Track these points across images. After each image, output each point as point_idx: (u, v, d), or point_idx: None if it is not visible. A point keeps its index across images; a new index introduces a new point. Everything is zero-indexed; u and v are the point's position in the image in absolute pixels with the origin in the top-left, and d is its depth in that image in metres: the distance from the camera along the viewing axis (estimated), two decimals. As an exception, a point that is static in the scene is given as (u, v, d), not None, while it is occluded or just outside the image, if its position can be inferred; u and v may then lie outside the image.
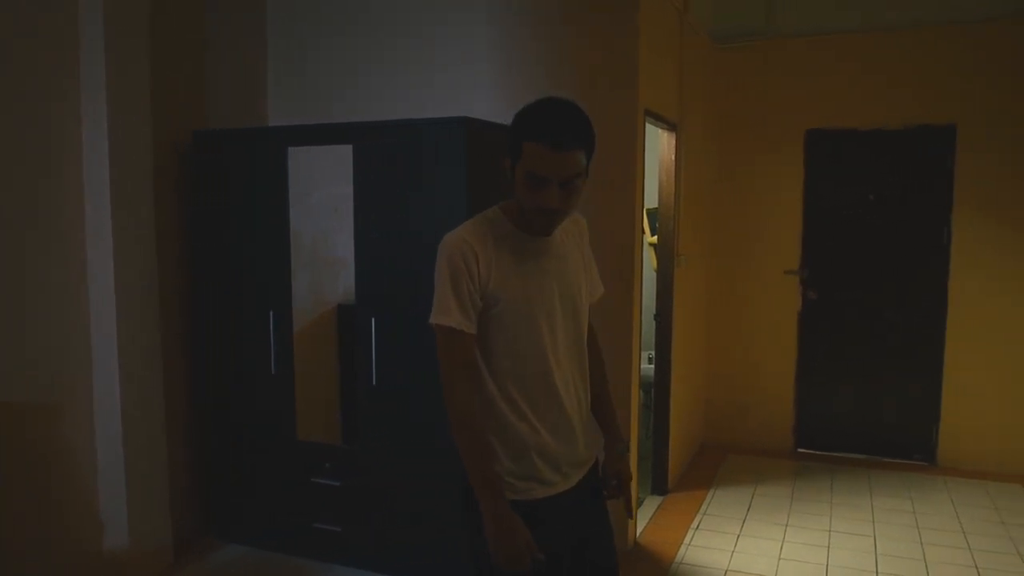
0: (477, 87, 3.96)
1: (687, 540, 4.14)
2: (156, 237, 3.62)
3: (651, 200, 4.79)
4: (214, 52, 4.13)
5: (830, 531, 4.27)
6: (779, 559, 3.95)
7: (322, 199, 3.88)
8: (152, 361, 3.61)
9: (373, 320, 3.51)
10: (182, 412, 3.97)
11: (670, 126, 4.51)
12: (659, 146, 4.68)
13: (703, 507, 4.56)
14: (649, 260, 5.14)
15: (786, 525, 4.34)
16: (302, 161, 3.68)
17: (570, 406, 2.03)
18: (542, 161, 1.80)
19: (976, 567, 3.86)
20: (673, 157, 4.62)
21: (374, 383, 3.54)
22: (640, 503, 4.55)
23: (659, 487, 4.76)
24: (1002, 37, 4.99)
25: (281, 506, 3.85)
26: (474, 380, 1.96)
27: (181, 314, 3.95)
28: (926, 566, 3.87)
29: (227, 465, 3.97)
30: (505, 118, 3.92)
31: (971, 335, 5.19)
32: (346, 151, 3.53)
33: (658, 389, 4.79)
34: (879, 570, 3.83)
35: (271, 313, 3.73)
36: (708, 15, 5.34)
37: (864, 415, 5.51)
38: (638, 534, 4.17)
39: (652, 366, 4.88)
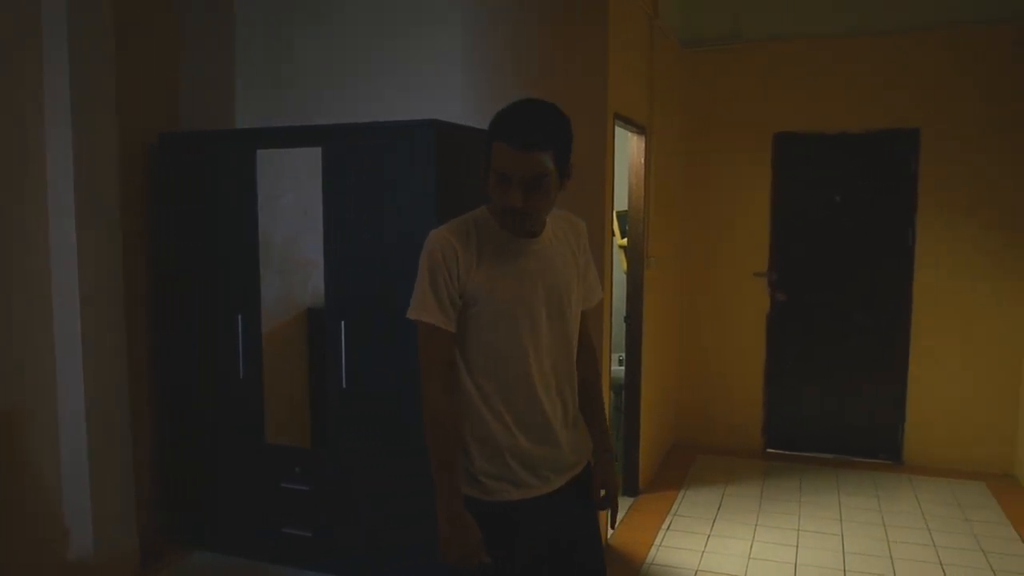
0: (448, 91, 3.96)
1: (658, 541, 4.16)
2: (122, 240, 3.57)
3: (621, 203, 4.81)
4: (182, 53, 4.09)
5: (799, 530, 4.32)
6: (749, 558, 3.98)
7: (292, 201, 3.85)
8: (117, 365, 3.56)
9: (343, 323, 3.50)
10: (148, 416, 3.93)
11: (640, 129, 4.54)
12: (629, 149, 4.71)
13: (674, 508, 4.59)
14: (619, 262, 5.17)
15: (755, 525, 4.38)
16: (272, 163, 3.66)
17: (551, 409, 2.01)
18: (505, 160, 1.84)
19: (940, 564, 3.92)
20: (643, 160, 4.65)
21: (344, 386, 3.52)
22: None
23: (630, 488, 4.78)
24: (964, 43, 5.08)
25: (250, 511, 3.81)
26: (449, 377, 1.96)
27: (148, 318, 3.90)
28: (892, 563, 3.92)
29: (195, 470, 3.92)
30: (476, 121, 3.94)
31: (935, 336, 5.28)
32: (316, 153, 3.51)
33: (628, 391, 4.81)
34: (847, 568, 3.87)
35: (239, 316, 3.70)
36: (677, 20, 5.38)
37: (832, 415, 5.58)
38: (609, 535, 4.18)
39: (623, 368, 4.90)
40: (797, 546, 4.12)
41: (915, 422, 5.37)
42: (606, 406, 2.27)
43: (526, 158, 1.83)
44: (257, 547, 3.80)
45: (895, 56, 5.23)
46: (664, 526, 4.34)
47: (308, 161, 3.55)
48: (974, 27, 5.05)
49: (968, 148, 5.13)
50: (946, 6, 5.09)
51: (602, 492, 2.19)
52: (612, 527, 2.24)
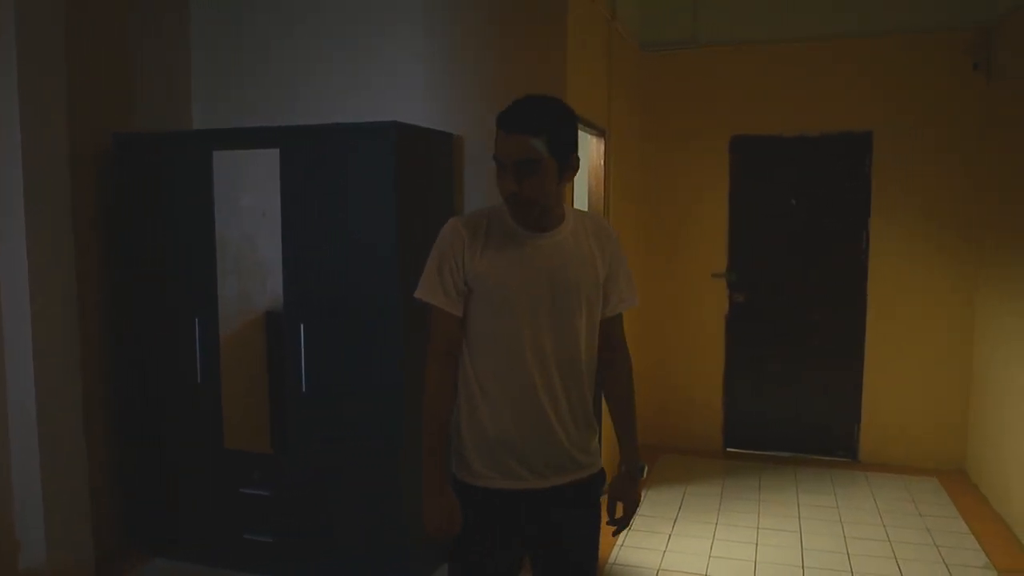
0: (410, 94, 3.94)
1: (620, 541, 4.18)
2: (75, 243, 3.50)
3: (581, 204, 4.83)
4: (136, 53, 4.03)
5: (758, 528, 4.37)
6: (710, 557, 4.02)
7: (250, 203, 3.81)
8: (71, 371, 3.48)
9: (302, 326, 3.47)
10: (104, 423, 3.85)
11: (599, 132, 4.57)
12: (588, 151, 4.74)
13: (635, 508, 4.61)
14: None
15: (716, 523, 4.43)
16: (229, 165, 3.61)
17: (549, 404, 2.02)
18: (498, 145, 1.93)
19: (895, 558, 3.99)
20: (603, 162, 4.68)
21: (304, 390, 3.50)
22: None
23: (592, 489, 4.79)
24: (915, 49, 5.20)
25: (208, 517, 3.76)
26: (449, 356, 2.04)
27: (102, 322, 3.83)
28: (849, 558, 3.99)
29: (152, 477, 3.86)
30: (437, 124, 3.93)
31: (889, 335, 5.38)
32: (274, 155, 3.48)
33: (590, 392, 4.82)
34: (805, 564, 3.93)
35: (196, 320, 3.65)
36: (636, 24, 5.43)
37: (790, 414, 5.66)
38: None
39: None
40: (757, 544, 4.17)
41: (870, 420, 5.47)
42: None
43: (513, 141, 1.89)
44: (217, 554, 3.75)
45: (850, 61, 5.33)
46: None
47: (266, 163, 3.51)
48: (924, 34, 5.17)
49: (919, 151, 5.25)
50: (898, 14, 5.20)
51: (617, 505, 2.22)
52: (615, 535, 2.24)
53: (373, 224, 3.34)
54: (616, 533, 2.25)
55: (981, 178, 5.08)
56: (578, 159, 2.01)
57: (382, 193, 3.31)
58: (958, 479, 5.14)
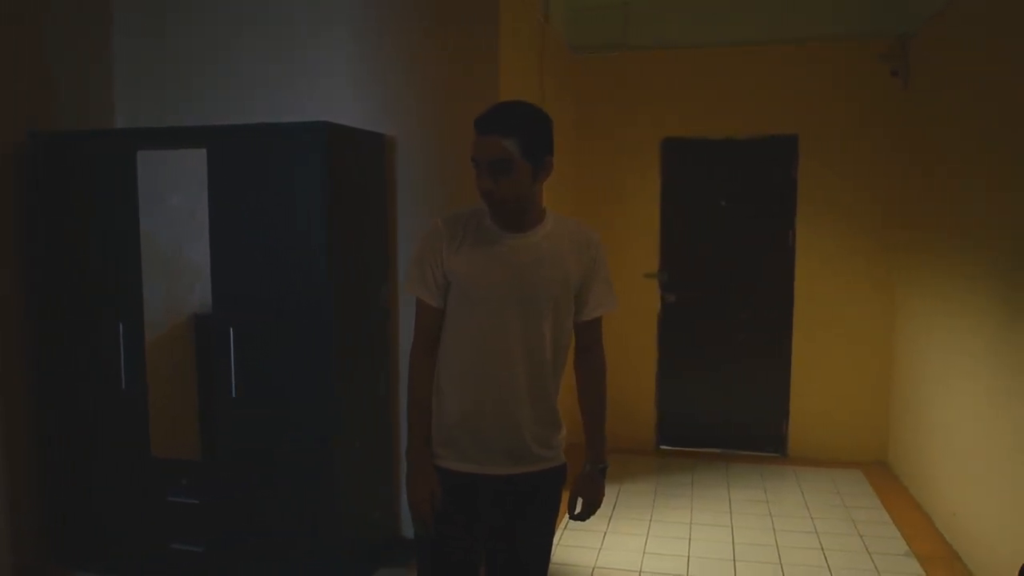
0: (340, 94, 3.90)
1: (556, 540, 4.18)
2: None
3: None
4: (53, 47, 3.89)
5: (691, 523, 4.45)
6: (644, 553, 4.07)
7: (177, 204, 3.72)
8: (-14, 379, 3.35)
9: (231, 329, 3.40)
10: (23, 432, 3.70)
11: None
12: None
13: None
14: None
15: (650, 520, 4.49)
16: (155, 165, 3.52)
17: (511, 398, 2.12)
18: (473, 146, 2.04)
19: (822, 548, 4.11)
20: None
21: (234, 394, 3.42)
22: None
23: (528, 489, 4.81)
24: (839, 56, 5.37)
25: (135, 528, 3.65)
26: (429, 342, 2.18)
27: (21, 328, 3.69)
28: (778, 551, 4.09)
29: (74, 487, 3.73)
30: (369, 125, 3.90)
31: (814, 332, 5.54)
32: (201, 155, 3.40)
33: (526, 392, 4.84)
34: (736, 557, 4.02)
35: (120, 324, 3.55)
36: (568, 27, 5.48)
37: (721, 412, 5.78)
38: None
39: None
40: (690, 539, 4.24)
41: (798, 416, 5.62)
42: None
43: (485, 141, 2.00)
44: (144, 565, 3.65)
45: (775, 66, 5.48)
46: (562, 525, 4.39)
47: (194, 163, 3.43)
48: (846, 42, 5.34)
49: (842, 154, 5.42)
50: (820, 22, 5.36)
51: (579, 502, 2.30)
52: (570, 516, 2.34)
53: (303, 225, 3.30)
54: (578, 520, 2.33)
55: (898, 180, 5.27)
56: (552, 162, 2.10)
57: (312, 193, 3.26)
58: (880, 471, 5.31)
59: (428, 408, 2.18)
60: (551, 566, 3.86)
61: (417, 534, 2.21)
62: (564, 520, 4.45)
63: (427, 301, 2.16)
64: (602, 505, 2.33)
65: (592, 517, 2.34)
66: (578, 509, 2.32)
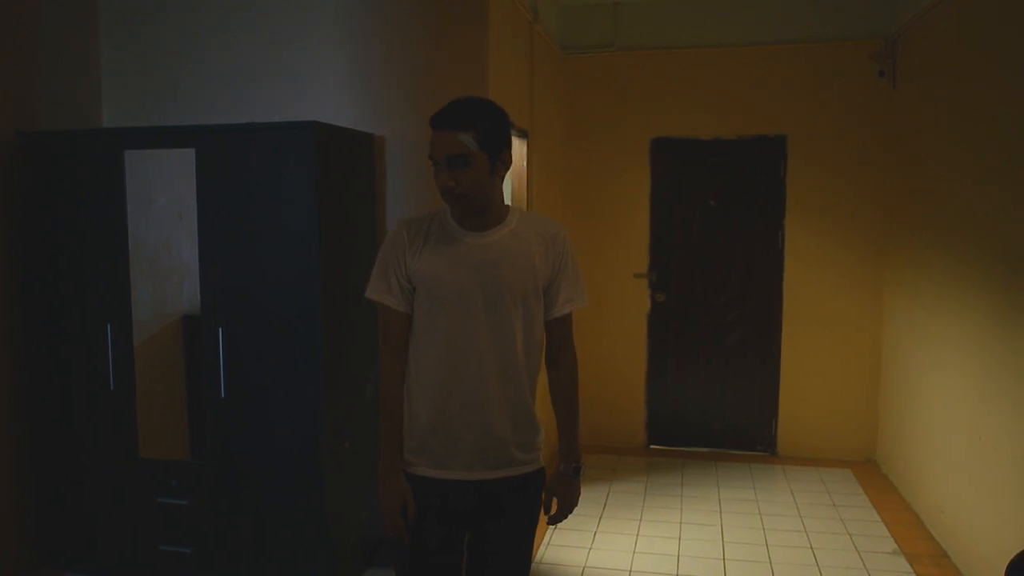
0: (330, 94, 3.89)
1: (546, 540, 4.21)
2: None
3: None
4: (42, 51, 3.87)
5: (681, 523, 4.46)
6: (634, 552, 4.08)
7: (166, 205, 3.71)
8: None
9: (220, 330, 3.39)
10: (13, 433, 3.68)
11: (521, 133, 4.59)
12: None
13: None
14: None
15: (640, 520, 4.50)
16: (143, 165, 3.50)
17: (484, 400, 2.09)
18: (431, 143, 2.03)
19: (811, 547, 4.12)
20: (525, 164, 4.70)
21: (223, 395, 3.41)
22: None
23: (518, 489, 4.81)
24: (827, 57, 5.39)
25: (124, 530, 3.63)
26: (398, 352, 2.15)
27: (8, 329, 3.66)
28: (768, 549, 4.10)
29: (62, 488, 3.71)
30: (358, 125, 3.90)
31: (804, 332, 5.56)
32: (190, 155, 3.39)
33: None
34: (726, 556, 4.03)
35: (109, 325, 3.53)
36: (558, 26, 5.48)
37: (711, 411, 5.79)
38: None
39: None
40: (680, 538, 4.25)
41: (787, 415, 5.64)
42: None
43: (443, 137, 2.00)
44: (134, 567, 3.63)
45: (764, 68, 5.49)
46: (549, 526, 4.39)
47: (182, 163, 3.42)
48: (834, 43, 5.37)
49: (829, 154, 5.45)
50: (809, 23, 5.39)
51: (555, 503, 2.26)
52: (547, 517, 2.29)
53: (293, 225, 3.29)
54: (552, 523, 2.29)
55: (887, 180, 5.30)
56: (510, 156, 2.09)
57: (302, 193, 3.26)
58: (870, 470, 5.34)
59: (398, 417, 2.15)
60: (542, 566, 3.88)
61: (395, 543, 2.18)
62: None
63: (392, 306, 2.13)
64: (577, 506, 2.31)
65: (568, 518, 2.32)
66: (553, 510, 2.29)
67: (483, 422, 2.10)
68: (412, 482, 2.13)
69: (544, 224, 2.21)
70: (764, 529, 4.37)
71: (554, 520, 2.27)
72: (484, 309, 2.07)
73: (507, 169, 2.09)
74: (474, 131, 1.99)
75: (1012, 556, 1.75)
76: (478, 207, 2.07)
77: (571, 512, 2.29)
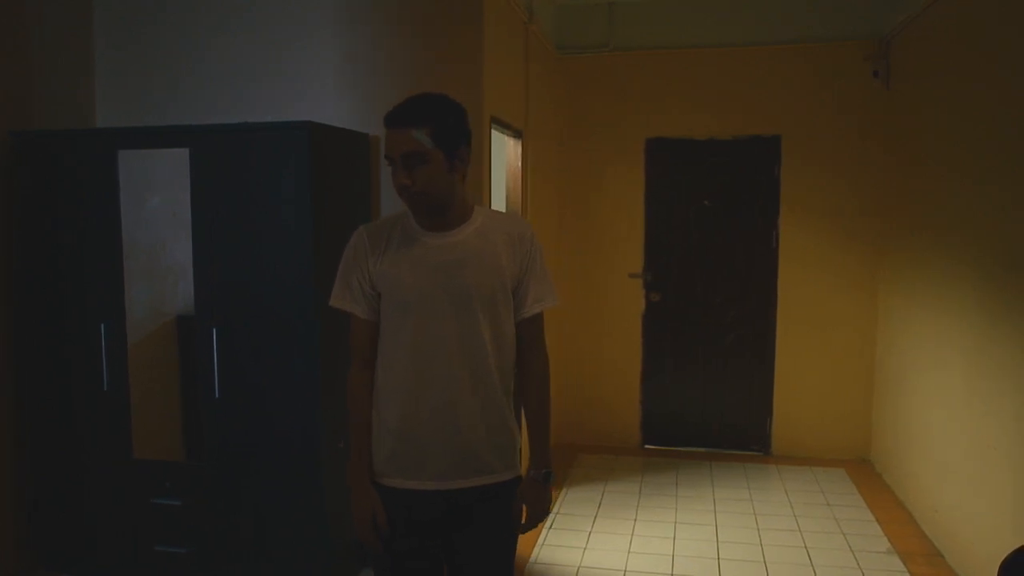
0: (324, 94, 3.89)
1: (541, 540, 4.21)
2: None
3: (499, 205, 4.85)
4: (36, 51, 3.85)
5: (676, 523, 4.46)
6: (629, 552, 4.08)
7: (159, 205, 3.70)
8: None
9: (214, 330, 3.38)
10: (5, 434, 3.67)
11: (516, 133, 4.60)
12: (506, 153, 4.76)
13: (556, 506, 4.65)
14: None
15: (635, 519, 4.50)
16: (137, 165, 3.49)
17: (455, 405, 2.02)
18: (385, 142, 1.99)
19: (805, 546, 4.13)
20: (520, 163, 4.71)
21: (217, 396, 3.41)
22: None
23: (513, 489, 4.81)
24: (819, 57, 5.40)
25: (118, 531, 3.62)
26: (366, 360, 2.11)
27: (6, 329, 3.65)
28: (762, 548, 4.11)
29: (56, 489, 3.70)
30: (353, 125, 3.89)
31: (798, 331, 5.57)
32: (184, 155, 3.38)
33: (510, 392, 4.84)
34: (720, 556, 4.03)
35: (103, 325, 3.52)
36: (553, 26, 5.49)
37: (705, 411, 5.80)
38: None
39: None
40: (674, 538, 4.26)
41: (781, 415, 5.65)
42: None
43: (396, 135, 1.95)
44: (128, 567, 3.62)
45: (758, 68, 5.50)
46: (547, 525, 4.40)
47: (176, 163, 3.41)
48: (828, 44, 5.38)
49: (823, 154, 5.46)
50: (803, 23, 5.40)
51: (520, 507, 2.16)
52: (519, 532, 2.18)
53: (287, 225, 3.29)
54: (520, 531, 2.18)
55: (881, 180, 5.31)
56: (468, 152, 2.04)
57: (296, 193, 3.25)
58: (863, 469, 5.35)
59: (366, 429, 2.09)
60: (537, 566, 3.88)
61: (371, 555, 2.15)
62: (549, 520, 4.45)
63: (357, 314, 2.08)
64: (549, 514, 2.17)
65: (537, 526, 2.20)
66: (523, 518, 2.17)
67: (454, 426, 2.02)
68: (381, 493, 2.07)
69: (511, 223, 2.15)
70: (759, 529, 4.38)
71: (522, 529, 2.16)
72: (451, 311, 2.01)
73: (466, 166, 2.04)
74: (428, 128, 1.93)
75: (1005, 555, 1.76)
76: (437, 206, 2.01)
77: (541, 520, 2.19)
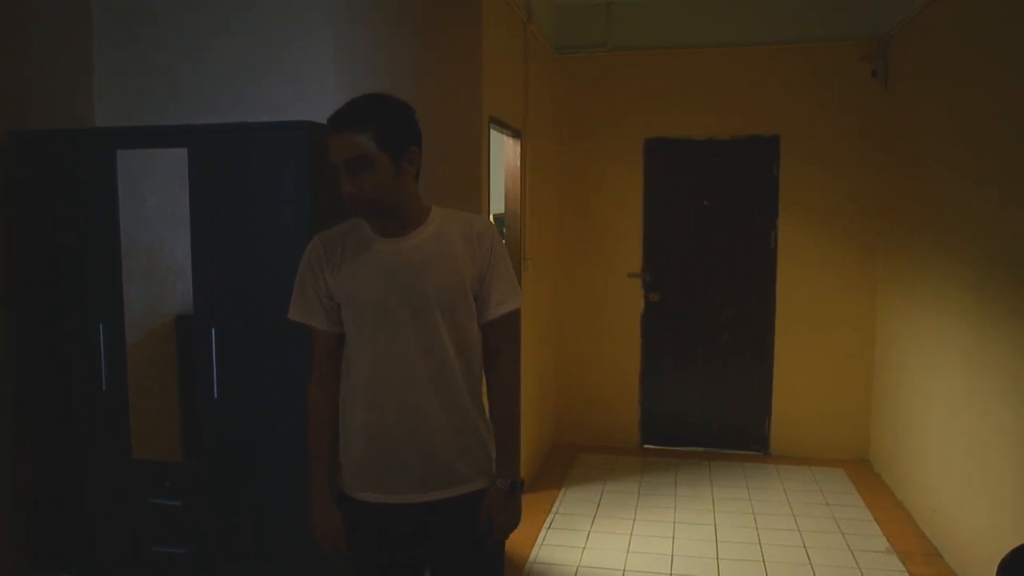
0: (330, 94, 3.88)
1: (540, 540, 4.21)
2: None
3: (498, 205, 4.86)
4: (34, 51, 3.85)
5: (675, 522, 4.46)
6: (628, 552, 4.08)
7: (158, 204, 3.70)
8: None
9: (213, 331, 3.38)
10: (3, 434, 3.67)
11: (515, 133, 4.60)
12: (505, 152, 4.77)
13: (555, 506, 4.66)
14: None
15: (634, 519, 4.50)
16: (136, 164, 3.49)
17: (421, 413, 1.96)
18: (329, 148, 1.92)
19: (804, 546, 4.14)
20: (519, 163, 4.71)
21: (216, 396, 3.40)
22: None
23: (513, 489, 4.81)
24: (820, 57, 5.41)
25: (117, 531, 3.62)
26: (324, 371, 2.06)
27: (6, 329, 3.65)
28: (761, 548, 4.11)
29: (54, 490, 3.69)
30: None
31: (797, 331, 5.58)
32: (182, 154, 3.38)
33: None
34: (719, 555, 4.04)
35: (101, 325, 3.52)
36: (552, 26, 5.49)
37: (704, 410, 5.80)
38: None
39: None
40: (673, 537, 4.26)
41: (780, 415, 5.65)
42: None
43: (339, 140, 1.89)
44: (127, 568, 3.62)
45: (757, 68, 5.51)
46: (546, 524, 4.40)
47: (175, 163, 3.41)
48: (827, 44, 5.38)
49: (821, 154, 5.46)
50: (801, 23, 5.40)
51: (484, 518, 2.06)
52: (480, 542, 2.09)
53: (287, 225, 3.28)
54: (479, 544, 2.08)
55: (879, 180, 5.31)
56: (418, 153, 1.96)
57: (295, 194, 3.25)
58: (862, 469, 5.35)
59: (326, 442, 2.05)
60: (536, 566, 3.89)
61: (346, 567, 2.12)
62: (549, 520, 4.46)
63: (315, 326, 2.03)
64: (518, 526, 2.08)
65: (509, 535, 2.11)
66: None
67: (418, 432, 1.96)
68: (352, 507, 2.04)
69: (469, 222, 2.05)
70: (757, 528, 4.38)
71: (490, 540, 2.06)
72: (409, 317, 1.94)
73: (416, 168, 1.96)
74: (371, 131, 1.86)
75: (1004, 554, 1.76)
76: (387, 211, 1.94)
77: (510, 532, 2.08)
